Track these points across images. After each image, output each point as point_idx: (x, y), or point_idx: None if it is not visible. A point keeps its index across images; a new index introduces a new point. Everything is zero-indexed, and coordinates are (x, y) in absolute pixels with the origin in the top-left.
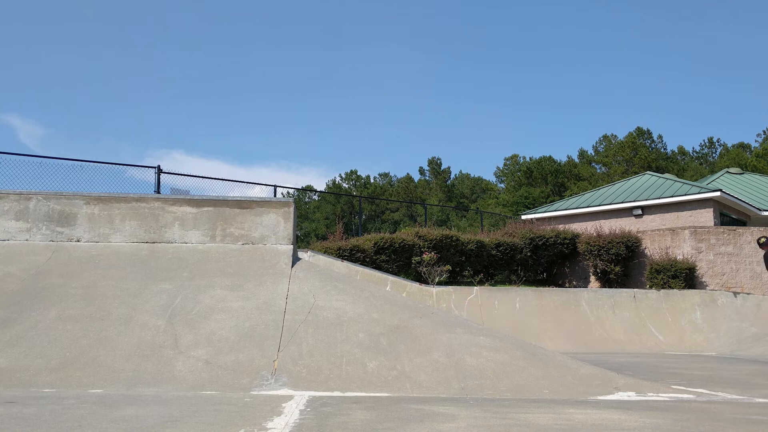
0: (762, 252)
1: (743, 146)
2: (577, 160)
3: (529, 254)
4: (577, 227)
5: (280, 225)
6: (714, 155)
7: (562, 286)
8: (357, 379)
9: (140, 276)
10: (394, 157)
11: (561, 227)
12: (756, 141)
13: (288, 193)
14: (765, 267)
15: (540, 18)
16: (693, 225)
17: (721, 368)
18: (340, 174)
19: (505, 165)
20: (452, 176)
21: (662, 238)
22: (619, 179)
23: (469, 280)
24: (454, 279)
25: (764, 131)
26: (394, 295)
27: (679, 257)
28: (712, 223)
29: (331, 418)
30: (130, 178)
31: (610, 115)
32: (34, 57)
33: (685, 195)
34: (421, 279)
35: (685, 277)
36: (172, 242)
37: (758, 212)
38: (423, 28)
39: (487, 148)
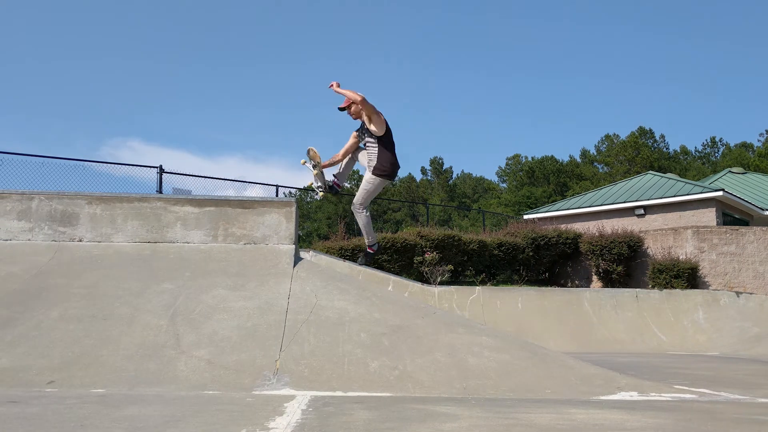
0: (765, 253)
1: (746, 146)
2: (579, 160)
3: (531, 254)
4: (579, 227)
5: (282, 225)
6: (716, 155)
7: (564, 286)
8: (359, 378)
9: (142, 276)
10: None
11: (563, 227)
12: (759, 140)
13: (290, 192)
14: None
15: (541, 18)
16: (695, 225)
17: (723, 368)
18: None
19: (507, 165)
20: (454, 176)
21: (665, 237)
22: (621, 179)
23: (471, 280)
24: (456, 279)
25: (767, 131)
26: (396, 295)
27: (682, 257)
28: (715, 223)
29: (332, 417)
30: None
31: (612, 115)
32: None
33: (688, 195)
34: (423, 279)
35: (687, 276)
36: (174, 242)
37: (761, 212)
38: (425, 28)
39: (488, 147)
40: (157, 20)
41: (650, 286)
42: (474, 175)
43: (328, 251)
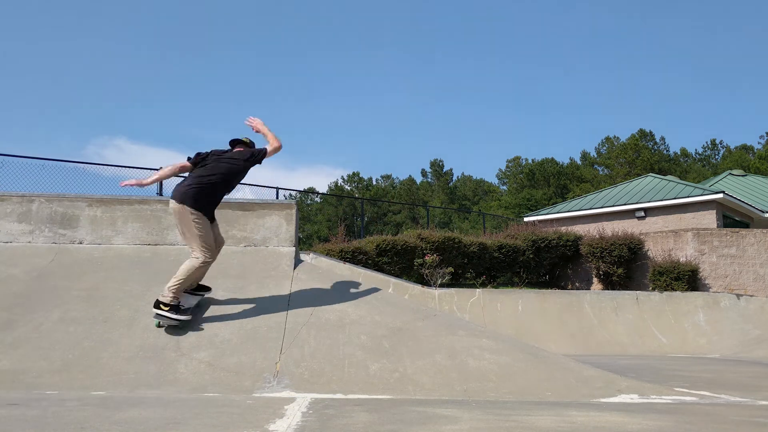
0: (765, 255)
1: (746, 148)
2: (579, 162)
3: (531, 256)
4: (579, 229)
5: (282, 227)
6: (717, 157)
7: (564, 288)
8: (359, 381)
9: (143, 278)
10: (396, 159)
11: (563, 229)
12: (759, 143)
13: (290, 195)
14: None
15: (542, 19)
16: (696, 227)
17: (724, 370)
18: (342, 176)
19: (507, 167)
20: (454, 178)
21: (665, 240)
22: (621, 181)
23: (471, 283)
24: (456, 281)
25: (767, 133)
26: (396, 297)
27: (682, 259)
28: (715, 225)
29: (333, 420)
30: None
31: (613, 117)
32: None
33: (688, 197)
34: (423, 281)
35: (687, 279)
36: (174, 244)
37: (761, 214)
38: (424, 29)
39: (489, 149)
40: (141, 17)
41: (651, 288)
42: (474, 177)
43: (329, 253)
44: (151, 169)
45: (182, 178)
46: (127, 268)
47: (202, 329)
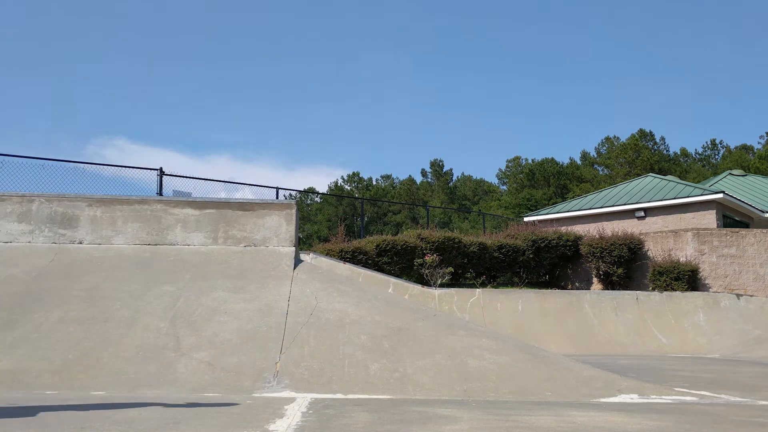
0: (765, 255)
1: (746, 148)
2: (579, 162)
3: (531, 256)
4: (579, 229)
5: (282, 227)
6: (717, 157)
7: (564, 288)
8: (359, 381)
9: (142, 278)
10: (396, 159)
11: (563, 229)
12: (759, 143)
13: (290, 195)
14: None
15: (541, 20)
16: (696, 227)
17: (724, 371)
18: (342, 176)
19: (507, 167)
20: (454, 178)
21: (665, 240)
22: (621, 181)
23: (471, 283)
24: (456, 281)
25: (767, 133)
26: (396, 297)
27: (682, 259)
28: (715, 225)
29: (333, 420)
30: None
31: (613, 117)
32: None
33: (688, 197)
34: (423, 281)
35: (687, 279)
36: (174, 244)
37: (761, 214)
38: (424, 30)
39: (489, 150)
40: (141, 17)
41: (651, 288)
42: (474, 177)
43: (329, 253)
44: (151, 169)
45: None
46: (127, 268)
47: (202, 329)
